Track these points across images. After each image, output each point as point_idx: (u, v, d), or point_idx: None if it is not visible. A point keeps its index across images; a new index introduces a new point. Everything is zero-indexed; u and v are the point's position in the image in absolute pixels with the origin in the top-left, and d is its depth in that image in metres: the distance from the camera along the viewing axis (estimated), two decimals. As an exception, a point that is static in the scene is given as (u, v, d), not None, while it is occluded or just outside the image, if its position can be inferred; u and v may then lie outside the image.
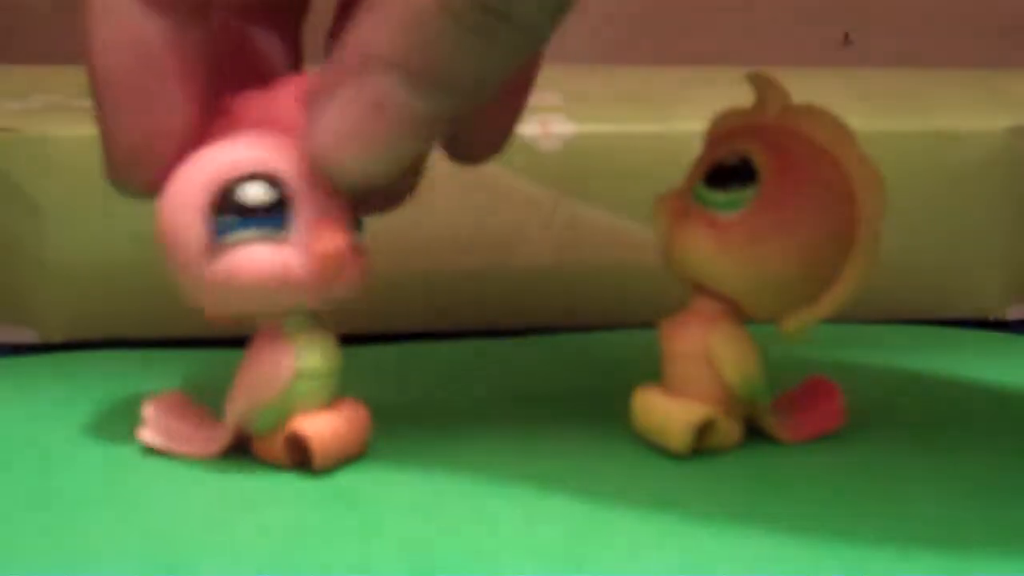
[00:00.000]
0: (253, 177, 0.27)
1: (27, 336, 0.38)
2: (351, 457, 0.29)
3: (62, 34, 0.47)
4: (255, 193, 0.27)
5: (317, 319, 0.29)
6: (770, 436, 0.30)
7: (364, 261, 0.28)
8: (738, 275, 0.28)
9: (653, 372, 0.30)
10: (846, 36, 0.57)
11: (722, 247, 0.28)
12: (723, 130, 0.30)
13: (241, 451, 0.29)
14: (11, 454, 0.29)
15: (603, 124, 0.39)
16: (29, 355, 0.36)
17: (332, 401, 0.29)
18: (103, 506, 0.27)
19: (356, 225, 0.28)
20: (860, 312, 0.40)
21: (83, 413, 0.32)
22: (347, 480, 0.28)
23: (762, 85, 0.29)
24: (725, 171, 0.28)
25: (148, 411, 0.30)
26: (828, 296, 0.29)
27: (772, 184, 0.28)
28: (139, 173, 0.28)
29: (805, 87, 0.41)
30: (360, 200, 0.28)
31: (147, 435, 0.30)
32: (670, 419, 0.29)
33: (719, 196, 0.28)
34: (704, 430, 0.29)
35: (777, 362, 0.30)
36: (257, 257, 0.27)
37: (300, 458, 0.28)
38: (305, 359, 0.28)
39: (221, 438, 0.29)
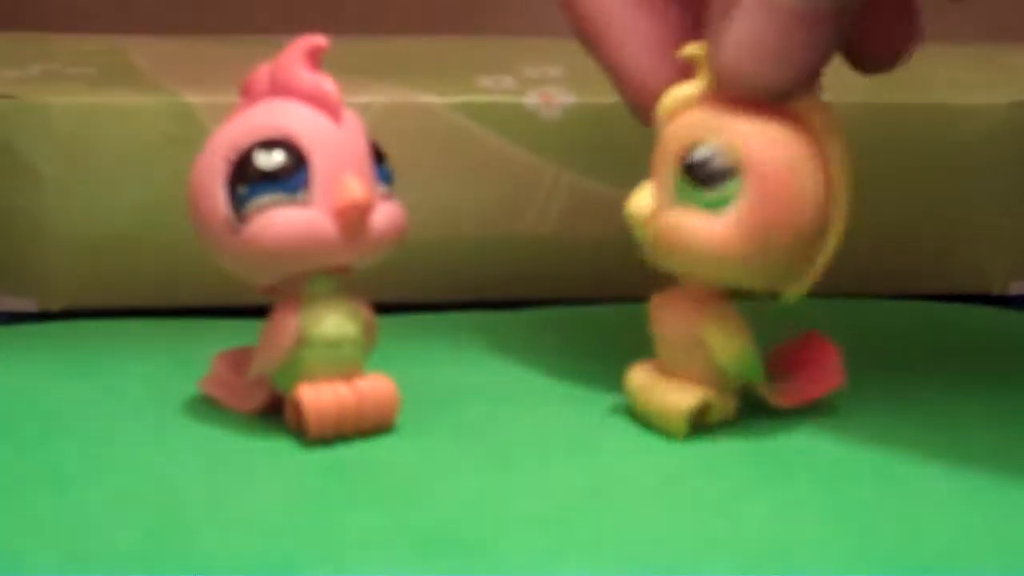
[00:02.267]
0: (266, 144, 0.27)
1: (26, 305, 0.38)
2: (365, 430, 0.29)
3: (62, 1, 0.47)
4: (268, 158, 0.27)
5: (341, 286, 0.29)
6: (766, 403, 0.30)
7: (395, 212, 0.28)
8: (743, 268, 0.27)
9: (651, 345, 0.30)
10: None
11: (727, 247, 0.27)
12: (672, 113, 0.29)
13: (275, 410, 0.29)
14: (11, 422, 0.29)
15: (604, 95, 0.39)
16: (28, 323, 0.36)
17: (353, 371, 0.29)
18: (103, 474, 0.27)
19: (384, 177, 0.28)
20: (862, 287, 0.40)
21: (83, 382, 0.32)
22: (348, 451, 0.28)
23: (694, 56, 0.28)
24: (700, 165, 0.27)
25: (216, 363, 0.30)
26: (817, 261, 0.28)
27: (757, 171, 0.27)
28: None
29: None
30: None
31: (207, 385, 0.30)
32: (665, 404, 0.29)
33: (708, 195, 0.27)
34: (700, 411, 0.29)
35: (776, 339, 0.30)
36: (278, 220, 0.27)
37: (302, 426, 0.28)
38: (313, 326, 0.28)
39: (258, 396, 0.29)
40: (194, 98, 0.37)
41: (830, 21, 0.27)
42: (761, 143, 0.27)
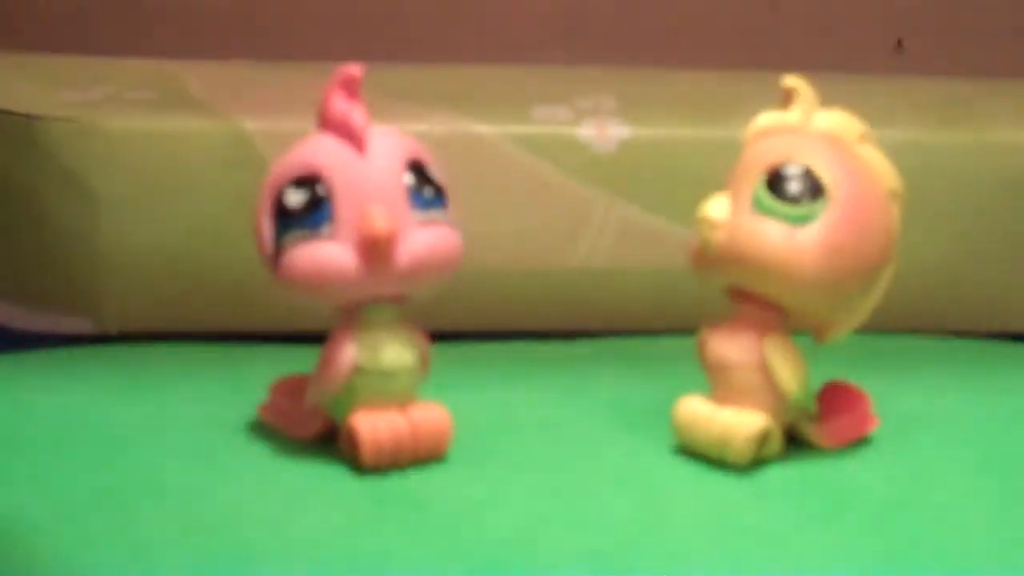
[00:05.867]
0: (295, 181, 0.28)
1: (83, 326, 0.38)
2: (418, 460, 0.29)
3: (124, 26, 0.47)
4: (294, 196, 0.28)
5: (397, 315, 0.29)
6: (807, 442, 0.30)
7: (435, 239, 0.28)
8: (814, 282, 0.28)
9: (697, 379, 0.30)
10: (899, 42, 0.56)
11: (800, 261, 0.28)
12: (762, 135, 0.30)
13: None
14: (68, 444, 0.30)
15: (658, 127, 0.39)
16: (85, 345, 0.37)
17: (407, 400, 0.29)
18: (160, 498, 0.27)
19: (424, 204, 0.28)
20: (914, 324, 0.40)
21: (139, 405, 0.32)
22: (402, 479, 0.28)
23: (793, 89, 0.30)
24: (788, 181, 0.29)
25: (273, 390, 0.31)
26: (863, 307, 0.29)
27: (840, 198, 0.28)
28: None
29: (858, 94, 0.41)
30: None
31: (265, 412, 0.31)
32: (731, 432, 0.29)
33: (790, 209, 0.28)
34: (762, 439, 0.29)
35: (829, 373, 0.30)
36: (300, 255, 0.28)
37: (357, 454, 0.29)
38: (369, 355, 0.28)
39: (315, 424, 0.30)
40: (250, 124, 0.38)
41: None
42: (848, 173, 0.29)
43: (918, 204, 0.39)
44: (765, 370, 0.29)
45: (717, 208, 0.29)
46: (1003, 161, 0.40)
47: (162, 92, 0.40)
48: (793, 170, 0.29)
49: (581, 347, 0.38)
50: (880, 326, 0.30)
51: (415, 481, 0.28)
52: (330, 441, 0.29)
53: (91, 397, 0.32)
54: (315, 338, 0.30)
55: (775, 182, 0.29)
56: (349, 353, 0.28)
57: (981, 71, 0.51)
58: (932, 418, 0.33)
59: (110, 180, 0.37)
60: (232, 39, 0.47)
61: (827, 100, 0.30)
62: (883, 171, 0.29)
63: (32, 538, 0.25)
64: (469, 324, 0.39)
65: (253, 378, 0.32)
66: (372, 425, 0.28)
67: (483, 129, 0.38)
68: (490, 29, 0.51)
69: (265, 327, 0.38)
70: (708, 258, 0.29)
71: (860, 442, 0.31)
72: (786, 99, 0.30)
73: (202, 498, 0.27)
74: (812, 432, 0.30)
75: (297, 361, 0.31)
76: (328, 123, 0.28)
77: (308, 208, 0.28)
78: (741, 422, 0.29)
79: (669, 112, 0.40)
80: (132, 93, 0.40)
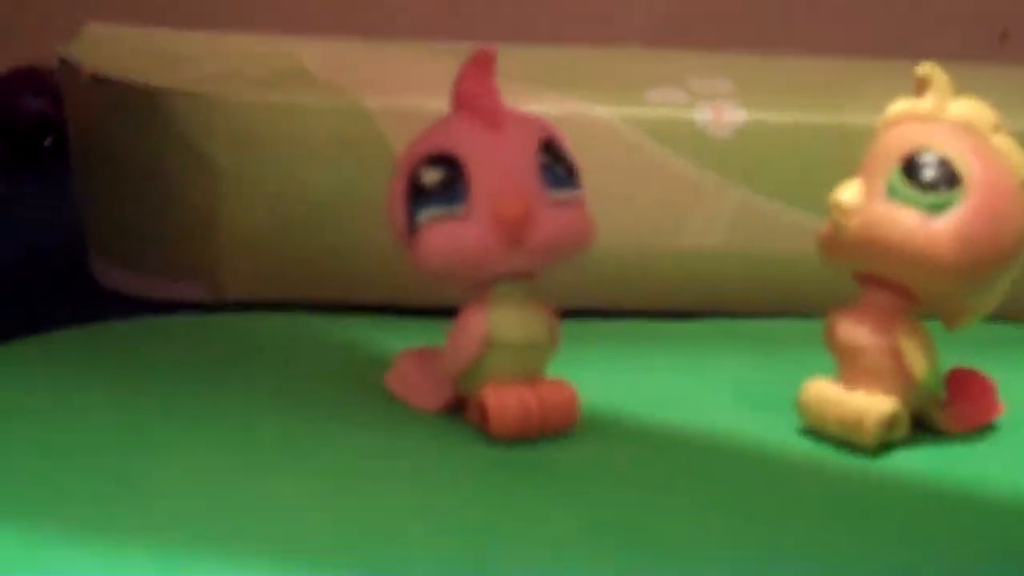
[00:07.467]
0: (429, 160, 0.28)
1: (201, 293, 0.39)
2: (545, 434, 0.29)
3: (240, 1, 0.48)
4: (428, 174, 0.28)
5: (528, 291, 0.29)
6: (933, 427, 0.30)
7: (569, 218, 0.29)
8: (951, 270, 0.29)
9: (816, 362, 0.30)
10: (1004, 32, 0.56)
11: (936, 250, 0.28)
12: (896, 122, 0.30)
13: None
14: (192, 414, 0.30)
15: (774, 113, 0.39)
16: (204, 313, 0.37)
17: (536, 375, 0.29)
18: (291, 465, 0.28)
19: (557, 182, 0.29)
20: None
21: (259, 375, 0.32)
22: (530, 453, 0.29)
23: (927, 76, 0.30)
24: (924, 169, 0.29)
25: (400, 361, 0.31)
26: (995, 295, 0.29)
27: (976, 187, 0.29)
28: None
29: (961, 83, 0.41)
30: None
31: (392, 382, 0.31)
32: (861, 414, 0.29)
33: (926, 197, 0.29)
34: (890, 423, 0.29)
35: (954, 360, 0.31)
36: (435, 235, 0.28)
37: (486, 427, 0.29)
38: (501, 330, 0.29)
39: (443, 396, 0.30)
40: (368, 101, 0.38)
41: None
42: (983, 162, 0.29)
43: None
44: (895, 354, 0.29)
45: (850, 194, 0.29)
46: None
47: (280, 67, 0.40)
48: (929, 158, 0.29)
49: (698, 327, 0.38)
50: (1008, 314, 0.31)
51: (544, 454, 0.29)
52: (456, 413, 0.30)
53: (212, 366, 0.33)
54: (432, 312, 0.30)
55: (911, 169, 0.29)
56: (482, 328, 0.29)
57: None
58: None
59: (230, 152, 0.38)
60: (346, 16, 0.48)
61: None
62: (1017, 161, 0.29)
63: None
64: (584, 301, 0.39)
65: (373, 349, 0.33)
66: (502, 399, 0.29)
67: (597, 111, 0.39)
68: (605, 10, 0.51)
69: (377, 301, 0.38)
70: (840, 244, 0.29)
71: (985, 429, 0.31)
72: (920, 87, 0.30)
73: (330, 466, 0.28)
74: (939, 417, 0.30)
75: (415, 333, 0.32)
76: (463, 103, 0.29)
77: (443, 186, 0.28)
78: (871, 405, 0.29)
79: (786, 97, 0.40)
80: (250, 68, 0.40)
